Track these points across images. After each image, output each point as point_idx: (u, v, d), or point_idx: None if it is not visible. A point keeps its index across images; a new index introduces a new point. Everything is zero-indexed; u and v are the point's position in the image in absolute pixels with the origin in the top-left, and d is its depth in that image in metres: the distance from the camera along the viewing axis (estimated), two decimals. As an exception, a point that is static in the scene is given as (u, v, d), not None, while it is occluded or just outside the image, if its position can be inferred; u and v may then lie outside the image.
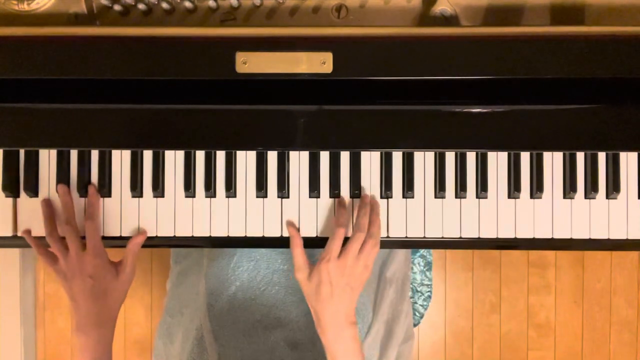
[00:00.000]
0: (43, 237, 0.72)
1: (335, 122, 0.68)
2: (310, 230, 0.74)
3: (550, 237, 0.74)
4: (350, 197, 0.74)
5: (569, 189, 0.74)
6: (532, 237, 0.74)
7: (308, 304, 0.70)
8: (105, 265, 0.70)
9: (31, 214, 0.74)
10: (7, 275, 1.60)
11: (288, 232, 0.74)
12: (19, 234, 0.74)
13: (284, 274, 0.82)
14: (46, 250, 0.71)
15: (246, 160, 0.74)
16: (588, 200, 0.75)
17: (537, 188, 0.74)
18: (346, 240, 0.69)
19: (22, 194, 0.74)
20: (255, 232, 0.74)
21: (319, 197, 0.74)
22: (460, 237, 0.74)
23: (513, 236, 0.75)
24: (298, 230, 0.74)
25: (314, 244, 0.74)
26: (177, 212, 0.74)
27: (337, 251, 0.68)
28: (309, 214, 0.74)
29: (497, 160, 0.75)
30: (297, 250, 0.70)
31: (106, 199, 0.74)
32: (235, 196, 0.74)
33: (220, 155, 0.74)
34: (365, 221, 0.71)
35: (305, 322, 0.80)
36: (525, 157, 0.75)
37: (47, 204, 0.73)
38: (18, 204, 0.74)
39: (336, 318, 0.67)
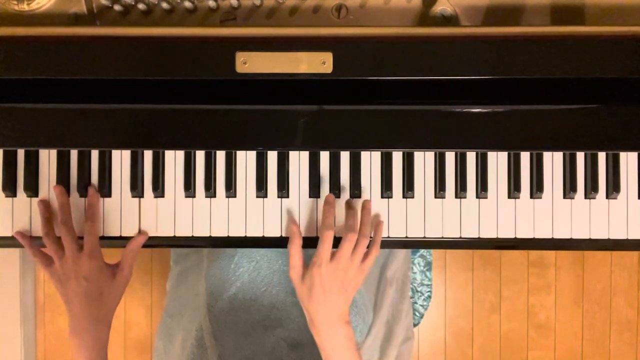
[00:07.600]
0: (38, 238, 0.72)
1: (335, 122, 0.68)
2: (310, 230, 0.74)
3: (550, 237, 0.74)
4: (350, 196, 0.74)
5: (569, 189, 0.74)
6: (532, 237, 0.74)
7: (300, 304, 0.70)
8: (100, 266, 0.69)
9: (30, 214, 0.74)
10: (7, 275, 1.60)
11: (289, 229, 0.73)
12: (12, 234, 0.73)
13: (285, 274, 0.81)
14: (40, 251, 0.71)
15: (246, 160, 0.74)
16: (588, 200, 0.75)
17: (537, 188, 0.74)
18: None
19: (21, 194, 0.74)
20: (255, 232, 0.74)
21: (319, 197, 0.74)
22: (460, 237, 0.74)
23: (513, 236, 0.75)
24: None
25: (315, 244, 0.74)
26: (177, 212, 0.74)
27: (328, 254, 0.67)
28: (309, 214, 0.74)
29: (497, 160, 0.75)
30: (294, 249, 0.69)
31: (106, 199, 0.74)
32: (235, 196, 0.74)
33: (220, 155, 0.74)
34: (354, 221, 0.70)
35: (305, 322, 0.79)
36: (525, 157, 0.75)
37: (45, 204, 0.73)
38: (16, 204, 0.74)
39: (329, 318, 0.67)
